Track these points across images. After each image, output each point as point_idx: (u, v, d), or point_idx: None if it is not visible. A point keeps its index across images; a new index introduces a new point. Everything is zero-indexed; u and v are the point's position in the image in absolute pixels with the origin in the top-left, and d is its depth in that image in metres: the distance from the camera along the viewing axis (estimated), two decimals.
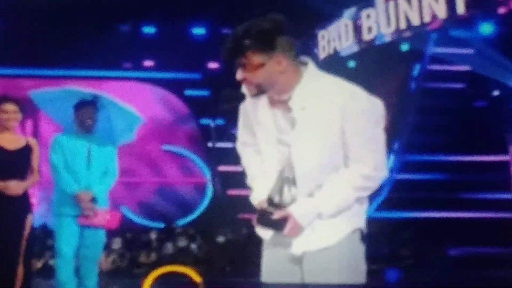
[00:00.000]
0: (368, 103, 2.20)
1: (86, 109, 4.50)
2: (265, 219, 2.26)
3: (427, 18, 6.87)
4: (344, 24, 8.19)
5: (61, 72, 9.58)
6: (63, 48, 9.31)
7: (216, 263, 6.89)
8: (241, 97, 2.29)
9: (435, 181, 9.40)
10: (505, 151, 9.63)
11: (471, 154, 9.52)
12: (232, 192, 8.92)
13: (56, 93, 4.64)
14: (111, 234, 4.80)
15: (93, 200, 4.41)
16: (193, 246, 7.90)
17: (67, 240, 4.39)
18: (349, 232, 2.29)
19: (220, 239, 7.99)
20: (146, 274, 7.02)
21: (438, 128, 9.49)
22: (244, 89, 2.28)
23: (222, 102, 2.32)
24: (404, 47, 8.64)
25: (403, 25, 7.17)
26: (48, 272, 6.58)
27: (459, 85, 9.76)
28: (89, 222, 4.41)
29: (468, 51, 8.90)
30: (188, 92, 10.21)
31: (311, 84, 2.22)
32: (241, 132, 2.48)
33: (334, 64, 8.24)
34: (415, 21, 7.02)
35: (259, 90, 2.22)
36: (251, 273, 6.70)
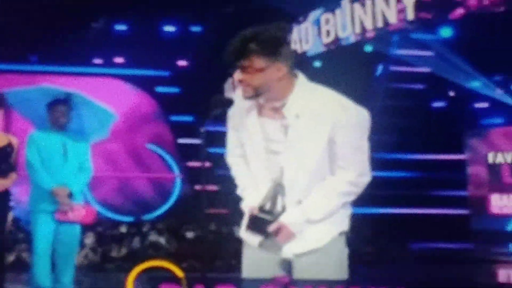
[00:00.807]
0: (358, 115, 2.28)
1: (59, 107, 4.47)
2: (256, 225, 2.30)
3: (379, 23, 6.99)
4: (311, 25, 8.25)
5: (33, 68, 9.50)
6: (35, 43, 9.20)
7: (185, 258, 6.87)
8: (230, 102, 2.34)
9: (396, 178, 9.54)
10: (462, 151, 9.87)
11: (430, 153, 9.70)
12: (199, 187, 8.89)
13: (29, 92, 4.59)
14: (83, 228, 4.76)
15: (70, 195, 4.39)
16: (163, 241, 7.86)
17: (43, 236, 4.37)
18: (335, 235, 2.37)
19: (189, 234, 7.97)
20: (117, 268, 6.99)
21: (398, 127, 9.63)
22: (240, 90, 2.31)
23: (212, 108, 2.34)
24: (368, 48, 8.73)
25: (358, 29, 7.28)
26: (21, 266, 6.47)
27: (419, 86, 9.93)
28: (66, 218, 4.39)
29: (429, 53, 9.06)
30: (159, 89, 10.16)
31: (304, 93, 2.28)
32: (230, 143, 2.51)
33: (300, 64, 8.23)
34: (368, 25, 7.17)
35: (255, 93, 2.25)
36: (220, 268, 6.73)
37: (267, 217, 2.29)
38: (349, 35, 7.47)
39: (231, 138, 2.50)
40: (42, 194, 4.38)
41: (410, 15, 6.59)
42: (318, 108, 2.24)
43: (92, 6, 8.99)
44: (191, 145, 9.42)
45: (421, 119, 9.72)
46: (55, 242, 4.41)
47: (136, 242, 7.77)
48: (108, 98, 5.51)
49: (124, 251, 7.61)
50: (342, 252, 2.40)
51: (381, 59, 9.33)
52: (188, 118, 10.01)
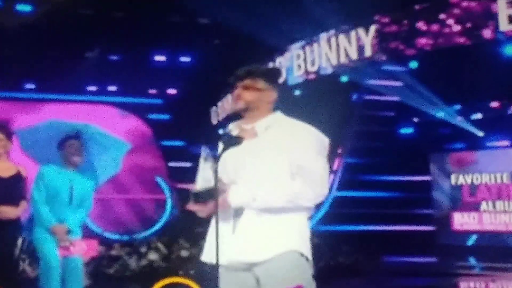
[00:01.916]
0: (317, 137, 2.50)
1: (72, 143, 4.24)
2: (198, 194, 2.46)
3: (343, 59, 7.53)
4: (292, 56, 8.53)
5: (30, 95, 9.70)
6: (32, 72, 9.32)
7: (178, 275, 6.95)
8: (240, 141, 2.48)
9: (369, 198, 9.85)
10: (427, 172, 10.19)
11: (399, 175, 10.06)
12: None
13: (39, 130, 4.38)
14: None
15: (69, 232, 4.24)
16: (157, 258, 7.88)
17: (55, 262, 4.21)
18: (285, 250, 2.41)
19: (182, 252, 8.02)
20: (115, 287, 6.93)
21: (371, 151, 9.91)
22: (233, 103, 2.59)
23: (223, 147, 2.49)
24: (344, 78, 9.05)
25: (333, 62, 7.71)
26: None
27: (389, 113, 10.28)
28: (68, 253, 4.26)
29: (398, 83, 9.43)
30: (151, 116, 10.33)
31: (276, 118, 2.56)
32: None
33: (281, 92, 8.55)
34: (334, 61, 7.67)
35: (245, 108, 2.56)
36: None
37: (205, 188, 2.44)
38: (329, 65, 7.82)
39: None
40: (44, 229, 4.24)
41: (368, 53, 7.10)
42: (285, 128, 2.50)
43: (87, 36, 9.21)
44: (181, 168, 9.58)
45: (390, 144, 10.02)
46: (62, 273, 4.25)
47: (131, 261, 7.76)
48: (104, 124, 5.54)
49: (120, 269, 7.59)
50: (294, 270, 2.40)
51: (356, 89, 9.67)
52: (178, 143, 10.16)
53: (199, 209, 2.53)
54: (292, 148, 2.43)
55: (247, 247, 2.41)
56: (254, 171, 2.44)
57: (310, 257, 2.47)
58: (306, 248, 2.46)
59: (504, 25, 6.27)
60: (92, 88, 10.22)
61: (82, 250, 4.32)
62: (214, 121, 10.60)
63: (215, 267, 2.34)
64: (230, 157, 2.49)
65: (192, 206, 2.53)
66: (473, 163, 9.89)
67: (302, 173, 2.42)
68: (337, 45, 7.65)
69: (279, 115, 2.58)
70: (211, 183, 2.43)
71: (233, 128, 2.59)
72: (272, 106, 2.58)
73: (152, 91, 10.47)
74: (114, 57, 10.20)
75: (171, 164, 10.27)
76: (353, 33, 7.46)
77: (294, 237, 2.44)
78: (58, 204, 4.22)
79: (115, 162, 4.53)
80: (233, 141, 2.45)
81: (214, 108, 10.47)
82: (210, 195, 2.42)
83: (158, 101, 10.69)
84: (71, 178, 4.25)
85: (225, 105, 10.11)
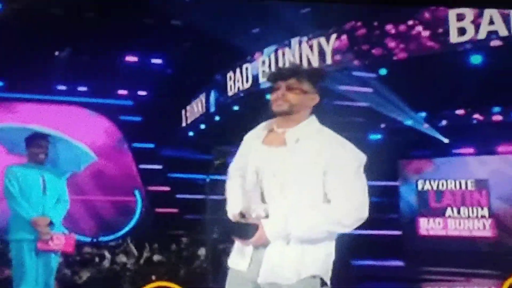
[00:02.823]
0: (353, 156, 2.35)
1: (38, 142, 4.40)
2: (234, 228, 2.29)
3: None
4: (260, 62, 8.50)
5: None
6: (2, 70, 9.05)
7: (150, 279, 6.77)
8: (231, 153, 2.40)
9: None
10: (395, 178, 10.18)
11: (368, 180, 9.93)
12: (160, 210, 8.88)
13: (14, 128, 4.61)
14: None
15: (50, 224, 4.32)
16: (129, 262, 7.69)
17: (31, 266, 4.26)
18: (308, 276, 2.31)
19: (151, 255, 7.85)
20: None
21: None
22: (274, 104, 2.35)
23: (214, 159, 2.39)
24: None
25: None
26: None
27: (358, 119, 10.23)
28: (47, 247, 4.30)
29: (367, 89, 9.38)
30: (122, 118, 10.14)
31: (310, 127, 2.38)
32: (237, 159, 2.54)
33: (253, 97, 8.49)
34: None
35: (288, 110, 2.35)
36: None
37: (244, 220, 2.27)
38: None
39: (239, 156, 2.49)
40: (22, 224, 4.29)
41: (329, 60, 7.14)
42: (318, 141, 2.30)
43: (58, 36, 8.96)
44: (152, 170, 9.44)
45: (359, 149, 9.96)
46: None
47: (102, 264, 7.57)
48: (73, 125, 5.51)
49: (91, 272, 7.39)
50: None
51: (326, 94, 9.65)
52: (149, 145, 10.01)
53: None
54: (327, 167, 2.23)
55: (272, 268, 2.26)
56: (284, 193, 2.22)
57: (329, 282, 2.39)
58: (328, 274, 2.38)
59: (454, 38, 6.23)
60: (62, 87, 9.95)
61: (61, 245, 4.33)
62: (184, 123, 10.46)
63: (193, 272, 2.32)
64: (252, 163, 2.29)
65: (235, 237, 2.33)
66: (438, 170, 9.93)
67: (339, 196, 2.24)
68: (300, 53, 7.72)
69: (313, 124, 2.38)
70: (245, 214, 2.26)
71: (262, 131, 2.38)
72: (309, 112, 2.40)
73: (123, 92, 10.23)
74: (85, 57, 9.97)
75: (142, 166, 10.07)
76: (318, 41, 7.42)
77: (320, 263, 2.32)
78: (34, 196, 4.30)
79: (76, 164, 4.62)
80: (250, 231, 2.24)
81: (185, 110, 10.35)
82: (247, 231, 2.23)
83: (128, 102, 10.46)
84: (40, 172, 4.36)
85: (194, 109, 10.02)
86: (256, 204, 2.28)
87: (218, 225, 2.40)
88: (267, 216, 2.26)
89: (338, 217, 2.27)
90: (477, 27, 6.49)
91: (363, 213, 2.33)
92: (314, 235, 2.26)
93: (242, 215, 2.30)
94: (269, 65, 8.07)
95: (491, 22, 6.40)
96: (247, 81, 8.46)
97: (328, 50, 7.42)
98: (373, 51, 7.07)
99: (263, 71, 8.16)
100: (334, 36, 7.25)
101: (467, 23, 6.49)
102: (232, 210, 2.35)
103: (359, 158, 2.36)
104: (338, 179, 2.26)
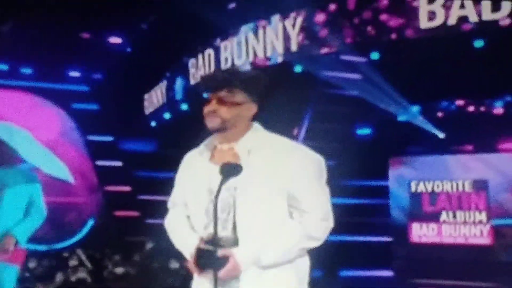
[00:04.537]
0: (312, 160, 2.36)
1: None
2: (205, 258, 2.23)
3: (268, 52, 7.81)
4: (239, 42, 8.32)
5: None
6: None
7: None
8: (240, 170, 2.28)
9: None
10: (385, 177, 10.10)
11: (355, 179, 9.85)
12: (118, 213, 8.64)
13: None
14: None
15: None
16: (86, 276, 7.41)
17: None
18: None
19: (116, 270, 7.57)
20: None
21: (323, 152, 9.67)
22: (207, 120, 2.33)
23: (223, 176, 2.26)
24: (298, 69, 8.82)
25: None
26: None
27: (346, 110, 10.11)
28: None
29: (356, 76, 9.23)
30: (76, 106, 9.86)
31: (257, 135, 2.38)
32: (176, 189, 2.53)
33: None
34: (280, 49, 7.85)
35: (222, 126, 2.32)
36: None
37: (210, 247, 2.22)
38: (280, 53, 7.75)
39: (178, 184, 2.50)
40: None
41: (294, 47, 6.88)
42: (271, 150, 2.30)
43: None
44: (111, 167, 9.22)
45: (346, 144, 9.87)
46: None
47: (57, 275, 7.29)
48: (16, 114, 5.25)
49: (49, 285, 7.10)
50: None
51: (311, 81, 9.47)
52: (107, 138, 9.79)
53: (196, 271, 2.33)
54: (287, 177, 2.26)
55: None
56: (248, 214, 2.24)
57: None
58: None
59: (424, 23, 6.38)
60: (1, 68, 9.57)
61: (6, 257, 4.19)
62: (148, 110, 10.23)
63: None
64: (201, 185, 2.29)
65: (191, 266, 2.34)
66: (433, 169, 9.77)
67: (306, 208, 2.27)
68: (284, 30, 7.65)
69: (259, 132, 2.40)
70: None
71: (204, 149, 2.36)
72: (249, 122, 2.41)
73: (75, 74, 9.90)
74: (30, 33, 9.57)
75: (99, 162, 9.84)
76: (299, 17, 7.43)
77: (296, 283, 2.33)
78: None
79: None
80: (235, 170, 2.22)
81: (146, 96, 10.11)
82: (215, 261, 2.22)
83: (83, 88, 10.18)
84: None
85: (153, 97, 9.86)
86: (215, 229, 2.21)
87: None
88: (235, 242, 2.26)
89: (308, 231, 2.29)
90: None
91: (331, 223, 2.38)
92: (288, 255, 2.28)
93: (209, 241, 2.23)
94: (249, 44, 7.96)
95: None
96: (240, 57, 8.40)
97: (311, 28, 7.29)
98: (367, 28, 6.93)
99: (246, 51, 8.05)
100: (319, 12, 7.11)
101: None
102: (188, 242, 2.33)
103: (318, 161, 2.39)
104: (301, 188, 2.30)
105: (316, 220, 2.30)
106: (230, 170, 2.20)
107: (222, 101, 2.32)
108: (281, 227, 2.27)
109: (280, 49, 7.60)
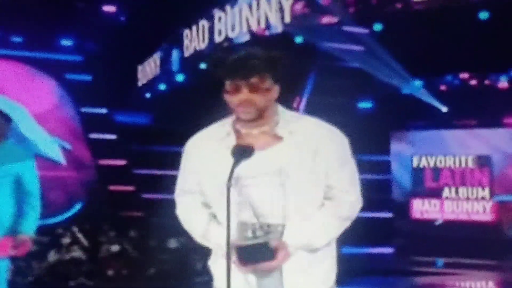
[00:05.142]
0: (341, 138, 2.37)
1: None
2: (250, 253, 2.17)
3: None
4: (237, 12, 8.26)
5: None
6: None
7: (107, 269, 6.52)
8: (252, 151, 2.23)
9: None
10: (387, 152, 10.10)
11: (356, 154, 9.83)
12: (113, 187, 8.63)
13: None
14: None
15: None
16: (80, 254, 7.34)
17: None
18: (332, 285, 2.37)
19: (112, 247, 7.52)
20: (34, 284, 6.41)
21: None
22: (242, 113, 2.25)
23: (235, 159, 2.19)
24: (299, 39, 8.76)
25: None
26: None
27: (347, 82, 10.07)
28: None
29: (358, 47, 9.17)
30: (69, 76, 9.75)
31: (288, 116, 2.35)
32: (186, 177, 2.41)
33: (225, 52, 8.22)
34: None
35: (259, 115, 2.25)
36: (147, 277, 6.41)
37: (258, 240, 2.17)
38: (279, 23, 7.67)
39: (189, 173, 2.38)
40: None
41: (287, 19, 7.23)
42: (309, 130, 2.30)
43: None
44: (104, 140, 9.15)
45: (347, 118, 9.83)
46: None
47: (51, 253, 7.21)
48: (5, 85, 5.18)
49: (42, 263, 7.03)
50: None
51: (312, 52, 9.42)
52: (101, 110, 9.72)
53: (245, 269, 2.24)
54: (325, 157, 2.28)
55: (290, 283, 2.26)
56: (297, 197, 2.23)
57: None
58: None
59: None
60: None
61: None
62: (141, 82, 10.17)
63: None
64: (226, 171, 2.16)
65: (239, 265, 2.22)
66: (436, 144, 9.79)
67: (345, 189, 2.31)
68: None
69: (287, 112, 2.38)
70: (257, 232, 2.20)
71: (222, 135, 2.30)
72: (275, 103, 2.37)
73: (68, 43, 9.80)
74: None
75: (92, 135, 9.78)
76: None
77: (332, 272, 2.38)
78: None
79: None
80: (247, 152, 2.18)
81: (140, 67, 10.05)
82: (262, 253, 2.17)
83: (76, 58, 10.09)
84: None
85: (147, 68, 9.80)
86: (228, 217, 2.12)
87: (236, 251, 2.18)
88: (283, 228, 2.22)
89: (346, 212, 2.33)
90: None
91: (361, 203, 2.41)
92: (332, 238, 2.34)
93: (246, 237, 2.18)
94: (244, 15, 7.88)
95: None
96: (239, 28, 8.34)
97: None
98: (366, 2, 6.87)
99: (241, 22, 7.95)
100: None
101: None
102: (211, 232, 2.28)
103: (346, 141, 2.41)
104: (339, 169, 2.31)
105: (353, 201, 2.34)
106: (242, 152, 2.15)
107: (255, 89, 2.22)
108: (324, 210, 2.28)
109: (273, 20, 7.54)
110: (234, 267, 2.16)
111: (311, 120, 2.38)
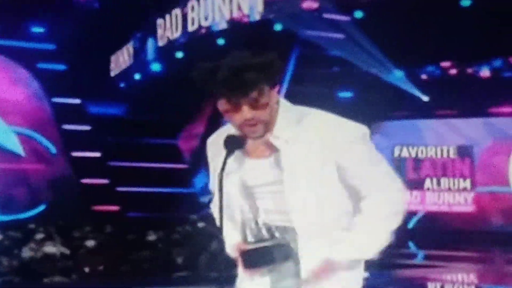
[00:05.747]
0: (357, 131, 2.13)
1: None
2: (255, 257, 2.10)
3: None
4: (209, 1, 8.26)
5: None
6: None
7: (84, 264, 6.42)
8: (244, 143, 2.11)
9: None
10: None
11: None
12: (86, 181, 8.54)
13: None
14: None
15: None
16: (55, 250, 7.23)
17: None
18: None
19: (87, 242, 7.42)
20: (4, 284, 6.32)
21: None
22: (248, 132, 2.07)
23: (227, 151, 2.10)
24: (278, 27, 8.74)
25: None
26: None
27: (328, 71, 10.10)
28: None
29: (339, 35, 9.16)
30: (41, 66, 9.59)
31: (290, 117, 2.12)
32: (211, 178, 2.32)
33: (202, 41, 8.21)
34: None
35: (265, 131, 2.07)
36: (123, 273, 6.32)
37: (265, 244, 2.08)
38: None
39: (211, 172, 2.28)
40: None
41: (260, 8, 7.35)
42: (310, 131, 2.10)
43: None
44: (78, 131, 9.04)
45: (326, 108, 9.85)
46: None
47: (24, 250, 7.07)
48: None
49: (14, 260, 6.89)
50: None
51: (291, 40, 9.41)
52: (74, 101, 9.58)
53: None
54: (339, 156, 2.03)
55: None
56: (308, 208, 2.03)
57: None
58: None
59: None
60: None
61: None
62: (114, 72, 10.09)
63: None
64: (233, 179, 2.08)
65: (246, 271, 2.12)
66: (417, 134, 9.86)
67: (371, 186, 2.06)
68: None
69: (290, 109, 2.12)
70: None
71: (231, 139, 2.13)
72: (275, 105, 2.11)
73: (39, 30, 9.65)
74: None
75: (65, 126, 9.64)
76: None
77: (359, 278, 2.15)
78: None
79: None
80: (239, 143, 2.05)
81: (113, 57, 9.97)
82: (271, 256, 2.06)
83: (49, 46, 9.94)
84: None
85: (120, 58, 9.71)
86: (221, 214, 2.05)
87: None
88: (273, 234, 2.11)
89: (390, 208, 2.09)
90: None
91: (403, 192, 2.13)
92: (382, 240, 2.07)
93: (250, 242, 2.09)
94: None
95: None
96: (217, 15, 8.32)
97: None
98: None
99: (220, 10, 7.94)
100: None
101: None
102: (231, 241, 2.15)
103: (364, 133, 2.14)
104: (361, 166, 2.08)
105: (394, 192, 2.13)
106: (234, 142, 2.06)
107: (256, 103, 2.05)
108: (365, 214, 2.09)
109: (246, 10, 7.61)
110: (247, 272, 2.10)
111: (316, 118, 2.15)
